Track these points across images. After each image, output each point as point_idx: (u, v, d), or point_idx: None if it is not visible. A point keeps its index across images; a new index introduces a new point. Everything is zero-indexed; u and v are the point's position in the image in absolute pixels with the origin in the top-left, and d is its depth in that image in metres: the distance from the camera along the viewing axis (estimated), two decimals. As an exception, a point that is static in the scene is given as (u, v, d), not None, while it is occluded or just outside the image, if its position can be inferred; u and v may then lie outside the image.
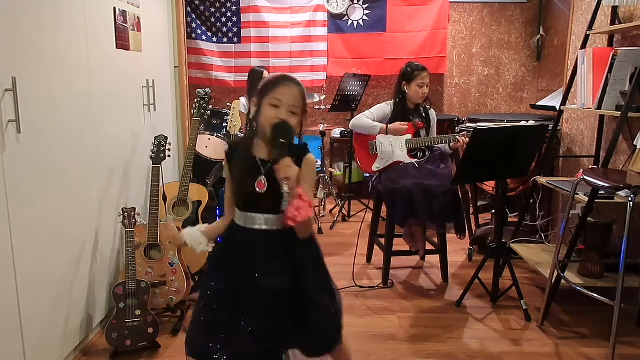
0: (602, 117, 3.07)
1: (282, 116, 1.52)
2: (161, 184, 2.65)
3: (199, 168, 3.70)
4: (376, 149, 3.10)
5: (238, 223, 1.62)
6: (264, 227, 1.57)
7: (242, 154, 1.61)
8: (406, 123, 3.06)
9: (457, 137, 2.96)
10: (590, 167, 3.07)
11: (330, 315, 1.66)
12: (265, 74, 4.35)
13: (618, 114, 2.52)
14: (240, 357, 1.58)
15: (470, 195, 3.88)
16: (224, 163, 1.67)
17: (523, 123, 3.47)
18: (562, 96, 3.24)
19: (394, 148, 3.06)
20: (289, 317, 1.58)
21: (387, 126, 3.06)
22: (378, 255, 3.30)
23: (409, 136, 3.07)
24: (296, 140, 1.57)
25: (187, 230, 1.68)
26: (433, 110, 3.22)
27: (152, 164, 2.60)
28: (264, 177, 1.54)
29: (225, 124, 3.68)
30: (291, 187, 1.44)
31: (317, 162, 1.51)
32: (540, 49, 4.87)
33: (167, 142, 2.68)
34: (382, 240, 3.19)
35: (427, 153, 3.12)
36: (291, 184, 1.45)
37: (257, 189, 1.54)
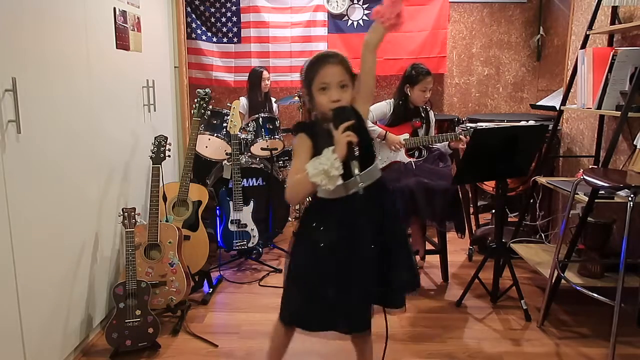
0: (602, 117, 3.07)
1: (334, 97, 1.54)
2: (161, 184, 2.65)
3: (199, 168, 3.70)
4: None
5: (333, 197, 1.61)
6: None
7: (325, 135, 1.57)
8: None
9: (460, 136, 2.96)
10: (590, 167, 3.07)
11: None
12: (265, 73, 4.36)
13: (618, 113, 2.52)
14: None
15: (470, 195, 3.88)
16: (296, 138, 1.62)
17: (523, 123, 3.47)
18: (562, 96, 3.24)
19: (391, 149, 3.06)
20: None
21: (385, 132, 3.04)
22: (378, 255, 3.29)
23: (407, 135, 3.07)
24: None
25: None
26: (432, 112, 3.22)
27: (152, 164, 2.60)
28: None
29: (225, 124, 3.68)
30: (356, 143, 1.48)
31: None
32: (540, 49, 4.87)
33: (167, 142, 2.68)
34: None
35: (424, 153, 3.12)
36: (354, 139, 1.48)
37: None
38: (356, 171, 1.47)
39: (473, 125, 3.58)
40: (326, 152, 1.49)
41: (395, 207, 1.75)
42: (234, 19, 4.85)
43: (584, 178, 2.28)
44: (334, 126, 1.52)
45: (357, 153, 1.48)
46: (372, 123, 3.03)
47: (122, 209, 2.37)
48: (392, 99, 3.12)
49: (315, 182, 1.48)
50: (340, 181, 1.50)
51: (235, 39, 4.89)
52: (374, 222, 1.63)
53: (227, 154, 3.59)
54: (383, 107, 3.10)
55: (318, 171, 1.47)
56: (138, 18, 2.90)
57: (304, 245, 1.71)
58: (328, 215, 1.65)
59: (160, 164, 2.62)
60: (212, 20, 4.85)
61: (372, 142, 1.73)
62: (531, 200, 3.37)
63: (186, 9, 4.44)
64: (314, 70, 1.57)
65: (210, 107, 3.06)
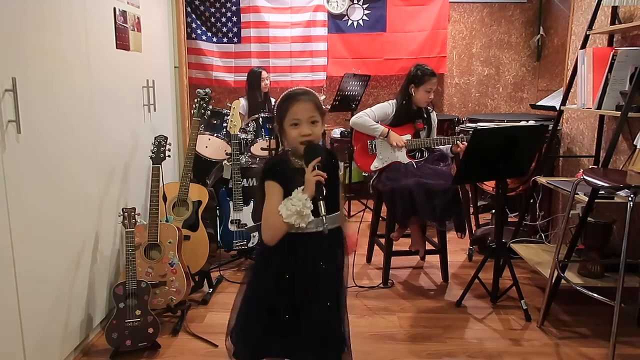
0: (602, 117, 3.07)
1: (305, 132, 1.59)
2: (161, 184, 2.65)
3: (199, 168, 3.70)
4: (375, 149, 3.10)
5: (300, 231, 1.62)
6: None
7: (290, 170, 1.63)
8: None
9: (458, 142, 2.95)
10: (590, 167, 3.07)
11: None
12: (264, 74, 4.36)
13: (618, 113, 2.52)
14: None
15: (470, 195, 3.88)
16: (267, 184, 1.63)
17: (523, 123, 3.47)
18: (562, 96, 3.24)
19: (393, 148, 3.06)
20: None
21: (388, 130, 3.04)
22: (378, 255, 3.30)
23: (409, 136, 3.07)
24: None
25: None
26: (434, 113, 3.22)
27: (152, 164, 2.60)
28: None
29: (225, 124, 3.68)
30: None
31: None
32: (540, 49, 4.87)
33: (167, 142, 2.68)
34: (382, 240, 3.19)
35: (425, 154, 3.12)
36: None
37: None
38: (323, 210, 1.53)
39: (473, 125, 3.58)
40: (296, 192, 1.56)
41: (338, 267, 1.74)
42: (234, 19, 4.85)
43: (584, 178, 2.28)
44: (304, 164, 1.58)
45: (324, 193, 1.54)
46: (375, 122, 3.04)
47: (122, 209, 2.37)
48: (395, 100, 3.12)
49: (290, 223, 1.54)
50: (311, 217, 1.56)
51: (235, 39, 4.90)
52: (327, 267, 1.67)
53: (227, 154, 3.59)
54: (385, 107, 3.10)
55: (291, 212, 1.54)
56: (138, 18, 2.90)
57: (262, 271, 1.73)
58: (293, 248, 1.65)
59: (160, 164, 2.62)
60: (212, 20, 4.86)
61: (338, 191, 1.76)
62: (531, 200, 3.37)
63: (186, 9, 4.44)
64: (285, 107, 1.62)
65: (210, 107, 3.06)
